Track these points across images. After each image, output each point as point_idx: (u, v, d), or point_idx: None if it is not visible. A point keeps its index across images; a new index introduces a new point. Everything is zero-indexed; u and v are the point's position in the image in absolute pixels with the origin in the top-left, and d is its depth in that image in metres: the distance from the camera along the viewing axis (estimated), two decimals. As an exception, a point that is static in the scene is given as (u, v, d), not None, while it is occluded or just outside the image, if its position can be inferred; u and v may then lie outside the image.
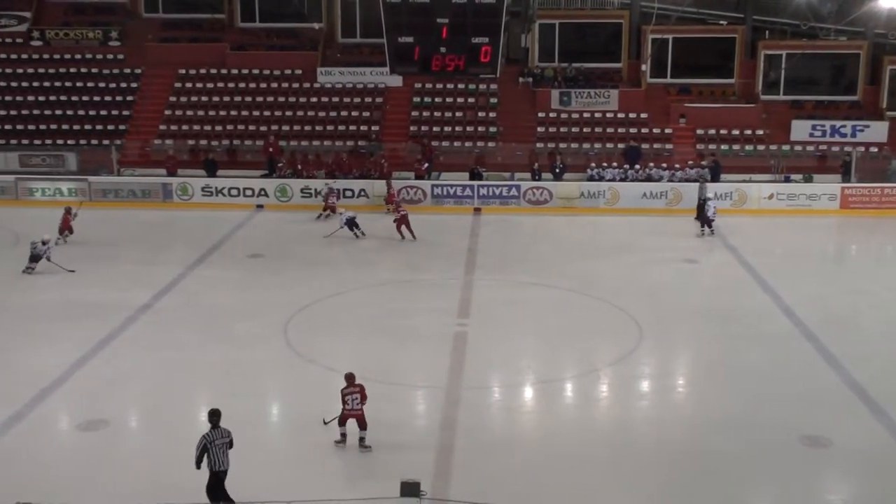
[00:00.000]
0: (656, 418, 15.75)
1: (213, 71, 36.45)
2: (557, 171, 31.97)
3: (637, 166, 31.63)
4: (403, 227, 26.49)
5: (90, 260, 24.30)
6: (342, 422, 14.42)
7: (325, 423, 14.74)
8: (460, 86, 35.91)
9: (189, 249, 25.35)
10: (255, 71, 36.43)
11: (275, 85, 36.13)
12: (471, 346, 18.58)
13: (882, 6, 29.01)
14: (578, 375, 17.56)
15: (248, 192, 31.05)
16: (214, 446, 12.25)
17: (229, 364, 17.40)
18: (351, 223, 26.83)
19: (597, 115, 35.02)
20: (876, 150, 33.29)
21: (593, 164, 32.26)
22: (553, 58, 37.14)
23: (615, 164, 32.16)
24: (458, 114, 35.27)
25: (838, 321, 20.13)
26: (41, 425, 15.05)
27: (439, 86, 35.87)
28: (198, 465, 12.29)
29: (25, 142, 33.65)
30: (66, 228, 26.06)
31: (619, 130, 34.52)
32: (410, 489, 10.27)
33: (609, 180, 31.16)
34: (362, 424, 14.32)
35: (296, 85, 36.16)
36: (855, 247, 29.08)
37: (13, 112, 34.70)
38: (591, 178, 31.53)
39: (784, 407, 15.67)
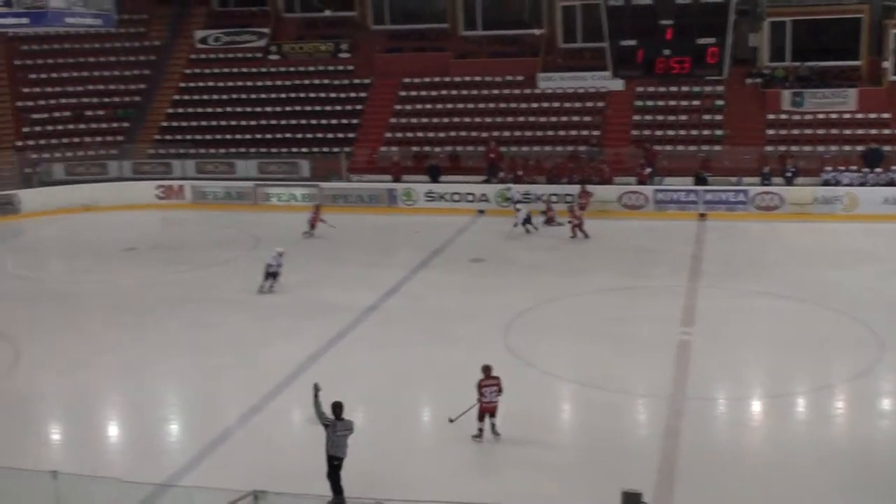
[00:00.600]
0: (899, 439, 14.66)
1: (437, 79, 37.29)
2: (789, 175, 30.47)
3: (878, 169, 29.65)
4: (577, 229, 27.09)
5: (321, 261, 25.50)
6: (480, 416, 14.51)
7: (450, 422, 14.69)
8: (684, 88, 34.95)
9: (413, 253, 26.05)
10: (478, 78, 36.95)
11: (496, 91, 36.51)
12: (695, 355, 17.98)
13: None
14: (811, 391, 16.61)
15: (470, 198, 31.57)
16: (336, 435, 12.75)
17: (450, 365, 17.65)
18: (527, 220, 27.94)
19: (832, 115, 33.12)
20: None
21: (829, 168, 30.52)
22: (784, 57, 35.46)
23: (853, 167, 30.28)
24: (682, 117, 34.34)
25: None
26: (276, 417, 15.85)
27: (662, 89, 35.05)
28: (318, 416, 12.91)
29: (264, 150, 35.73)
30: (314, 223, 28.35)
31: (858, 132, 32.47)
32: (632, 499, 10.06)
33: (846, 185, 29.40)
34: (493, 414, 14.48)
35: (517, 91, 36.39)
36: None
37: (253, 122, 36.90)
38: (826, 183, 29.86)
39: None
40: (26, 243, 30.42)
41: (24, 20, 28.34)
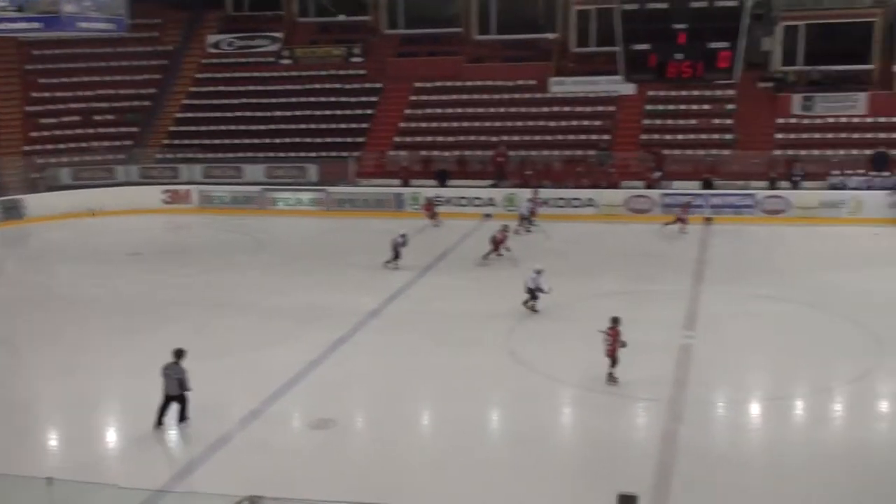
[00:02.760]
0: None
1: (449, 83, 37.36)
2: (796, 179, 30.39)
3: (886, 173, 29.53)
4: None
5: (325, 266, 25.62)
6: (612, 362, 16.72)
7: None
8: (695, 92, 34.91)
9: (419, 257, 26.13)
10: (490, 82, 37.01)
11: (507, 96, 36.58)
12: (696, 359, 17.99)
13: None
14: (810, 393, 16.60)
15: (477, 202, 31.63)
16: (166, 374, 15.10)
17: (454, 369, 17.74)
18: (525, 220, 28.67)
19: (842, 119, 33.02)
20: None
21: (836, 172, 30.42)
22: (796, 61, 35.36)
23: (861, 170, 30.18)
24: (693, 121, 34.29)
25: None
26: (276, 422, 15.92)
27: (674, 93, 35.02)
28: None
29: (272, 154, 35.88)
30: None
31: (868, 136, 32.36)
32: (628, 502, 10.11)
33: (853, 188, 29.29)
34: (613, 361, 16.66)
35: (528, 95, 36.44)
36: None
37: (262, 127, 37.06)
38: (833, 187, 29.77)
39: None
40: (32, 248, 30.67)
41: (37, 25, 28.67)
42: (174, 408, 15.36)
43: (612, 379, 16.67)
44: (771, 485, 13.23)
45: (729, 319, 20.23)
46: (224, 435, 15.12)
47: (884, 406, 16.15)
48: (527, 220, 28.95)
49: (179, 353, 15.35)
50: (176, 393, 15.23)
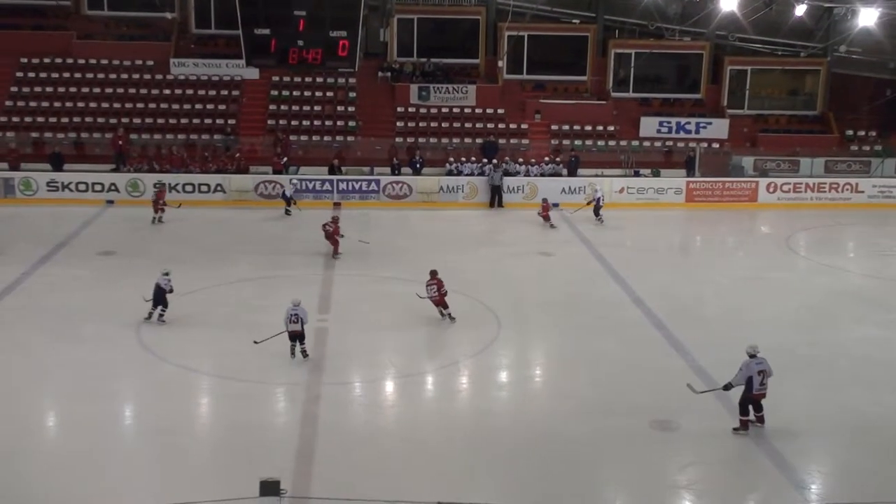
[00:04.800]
0: (515, 408, 16.06)
1: (59, 60, 35.02)
2: (417, 165, 32.15)
3: (495, 160, 32.12)
4: None
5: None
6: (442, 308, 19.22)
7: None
8: (319, 79, 35.64)
9: (33, 247, 24.28)
10: (104, 61, 35.22)
11: (125, 76, 35.02)
12: (331, 341, 18.48)
13: (722, 9, 30.40)
14: (439, 368, 17.73)
15: (98, 188, 29.95)
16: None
17: (79, 366, 16.77)
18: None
19: (455, 110, 35.41)
20: (717, 145, 34.93)
21: (452, 159, 32.59)
22: (412, 53, 37.28)
23: (473, 158, 32.59)
24: (317, 108, 34.99)
25: (684, 310, 20.98)
26: None
27: (297, 79, 35.50)
28: None
29: None
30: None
31: (478, 126, 34.99)
32: (270, 488, 10.15)
33: (468, 174, 31.56)
34: (444, 306, 19.26)
35: (148, 76, 35.12)
36: (699, 238, 30.41)
37: None
38: (449, 173, 31.86)
39: (635, 393, 16.26)
40: None
41: None
42: None
43: (451, 318, 19.34)
44: (407, 458, 13.98)
45: (361, 302, 20.99)
46: None
47: (503, 375, 17.63)
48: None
49: None
50: None
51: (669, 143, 35.07)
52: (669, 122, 35.45)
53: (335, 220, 24.94)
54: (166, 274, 19.07)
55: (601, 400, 16.01)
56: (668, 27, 36.95)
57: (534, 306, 21.13)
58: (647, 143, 35.01)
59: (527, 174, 31.76)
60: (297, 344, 17.23)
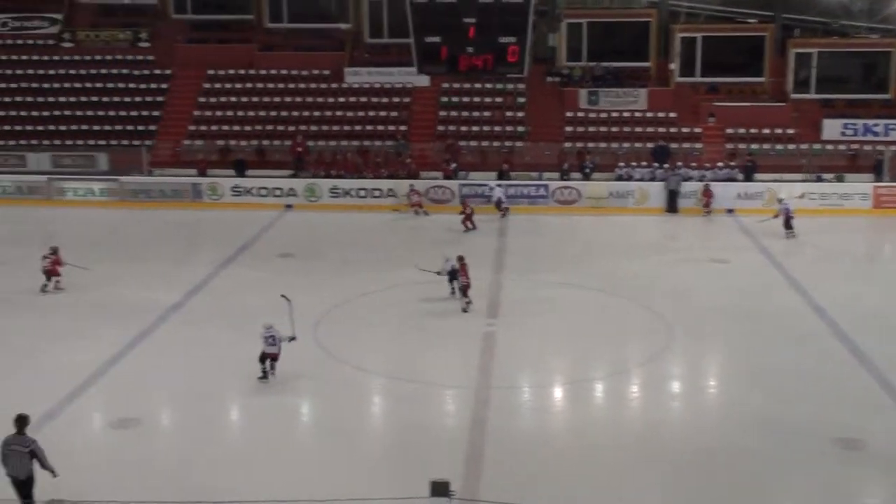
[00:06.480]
0: (688, 419, 15.67)
1: (242, 72, 36.62)
2: (587, 170, 31.88)
3: (666, 165, 31.47)
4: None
5: (122, 260, 24.51)
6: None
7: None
8: (488, 85, 35.85)
9: (219, 249, 25.51)
10: (283, 71, 36.56)
11: (302, 85, 36.24)
12: (500, 346, 18.55)
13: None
14: (609, 375, 17.51)
15: (278, 192, 31.22)
16: (10, 450, 11.82)
17: (257, 363, 17.44)
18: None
19: (625, 114, 34.87)
20: (908, 148, 32.96)
21: (622, 164, 32.14)
22: (581, 57, 37.00)
23: (644, 163, 32.03)
24: (486, 113, 35.21)
25: (871, 321, 19.85)
26: (74, 422, 15.18)
27: (467, 85, 35.83)
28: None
29: (57, 142, 33.90)
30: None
31: (648, 129, 34.35)
32: (440, 489, 10.26)
33: (638, 179, 31.05)
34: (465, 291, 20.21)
35: (323, 85, 36.26)
36: (888, 246, 28.79)
37: (45, 113, 34.96)
38: (619, 178, 31.44)
39: (817, 407, 15.52)
40: None
41: None
42: None
43: (468, 305, 20.17)
44: (576, 464, 13.86)
45: (529, 306, 20.96)
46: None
47: (675, 385, 17.25)
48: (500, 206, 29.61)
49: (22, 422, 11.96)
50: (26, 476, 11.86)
51: (855, 146, 33.34)
52: (855, 125, 33.67)
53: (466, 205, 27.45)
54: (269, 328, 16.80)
55: (779, 415, 15.34)
56: (854, 24, 35.18)
57: (708, 315, 20.47)
58: (829, 147, 33.40)
59: (700, 179, 30.91)
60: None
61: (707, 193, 28.01)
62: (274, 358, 16.59)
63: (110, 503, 10.98)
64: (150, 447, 14.54)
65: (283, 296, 17.05)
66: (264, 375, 16.52)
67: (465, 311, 20.08)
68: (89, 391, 16.22)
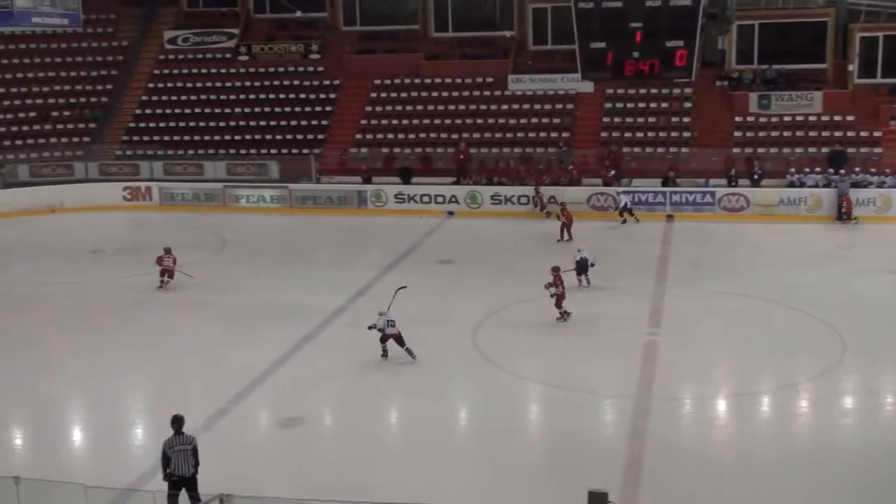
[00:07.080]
0: (862, 437, 14.82)
1: (407, 80, 37.28)
2: (755, 176, 30.77)
3: (842, 171, 30.00)
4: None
5: (289, 264, 25.39)
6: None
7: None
8: (653, 90, 35.17)
9: (382, 254, 26.03)
10: (448, 80, 36.98)
11: (466, 93, 36.57)
12: (662, 356, 18.12)
13: None
14: (776, 389, 16.79)
15: (440, 199, 31.61)
16: (174, 452, 12.22)
17: (418, 366, 17.68)
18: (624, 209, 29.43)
19: (798, 118, 33.45)
20: None
21: (793, 170, 30.84)
22: (751, 60, 35.78)
23: (818, 168, 30.63)
24: (651, 119, 34.56)
25: None
26: (242, 420, 15.80)
27: (631, 91, 35.26)
28: (164, 476, 12.24)
29: (233, 151, 35.50)
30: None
31: (823, 134, 32.83)
32: (598, 499, 10.11)
33: (811, 186, 29.72)
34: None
35: (487, 93, 36.47)
36: None
37: (222, 123, 36.72)
38: (790, 185, 30.18)
39: None
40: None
41: (-11, 20, 28.02)
42: None
43: (564, 315, 19.88)
44: (739, 479, 13.36)
45: (693, 316, 20.39)
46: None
47: (848, 402, 16.38)
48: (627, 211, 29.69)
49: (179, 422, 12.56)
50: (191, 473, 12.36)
51: None
52: None
53: (563, 206, 27.58)
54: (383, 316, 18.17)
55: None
56: None
57: (885, 329, 19.32)
58: None
59: (881, 185, 29.28)
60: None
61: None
62: (397, 339, 17.80)
63: (275, 499, 11.30)
64: (312, 446, 14.98)
65: (401, 287, 18.57)
66: (385, 353, 18.01)
67: (562, 320, 20.02)
68: (257, 391, 16.83)
